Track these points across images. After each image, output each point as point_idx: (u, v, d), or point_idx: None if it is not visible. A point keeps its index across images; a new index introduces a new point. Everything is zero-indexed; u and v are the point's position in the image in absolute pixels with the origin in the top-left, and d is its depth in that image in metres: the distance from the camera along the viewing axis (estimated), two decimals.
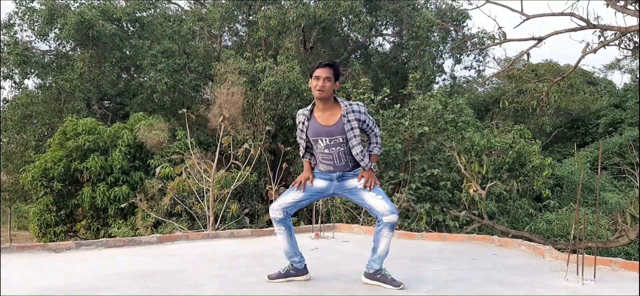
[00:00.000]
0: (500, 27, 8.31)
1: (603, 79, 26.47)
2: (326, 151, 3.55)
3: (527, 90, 18.20)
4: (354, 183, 3.60)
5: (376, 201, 3.51)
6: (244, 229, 6.53)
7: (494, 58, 31.92)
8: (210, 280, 3.78)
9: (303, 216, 12.39)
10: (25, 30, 17.50)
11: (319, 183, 3.66)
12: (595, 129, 21.31)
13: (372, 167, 3.61)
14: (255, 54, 15.82)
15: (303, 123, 3.60)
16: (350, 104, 3.56)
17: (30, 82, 18.48)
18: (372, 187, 3.55)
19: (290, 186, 3.74)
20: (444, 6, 18.96)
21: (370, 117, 3.66)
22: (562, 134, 22.22)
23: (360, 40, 19.48)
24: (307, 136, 3.61)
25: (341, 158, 3.56)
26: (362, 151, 3.56)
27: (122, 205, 12.82)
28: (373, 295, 3.43)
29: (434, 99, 11.31)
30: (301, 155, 3.74)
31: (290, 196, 3.65)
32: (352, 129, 3.51)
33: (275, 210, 3.65)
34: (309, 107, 3.64)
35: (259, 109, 14.76)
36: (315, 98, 3.55)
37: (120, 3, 18.95)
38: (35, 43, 17.82)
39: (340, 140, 3.52)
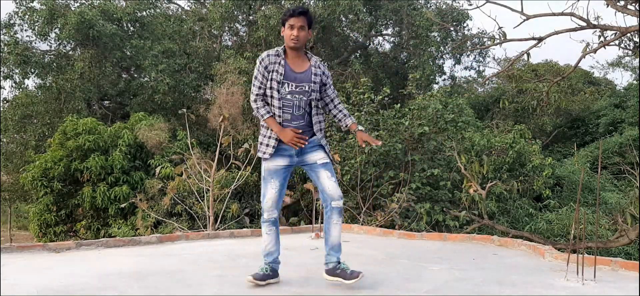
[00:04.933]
0: (500, 27, 8.31)
1: (603, 79, 26.47)
2: (288, 96, 3.45)
3: (527, 90, 18.21)
4: (314, 158, 3.52)
5: (330, 182, 3.47)
6: (244, 229, 6.53)
7: (494, 58, 31.98)
8: (210, 280, 3.78)
9: (303, 216, 12.39)
10: (25, 30, 17.51)
11: (281, 162, 3.52)
12: (596, 129, 21.29)
13: (360, 128, 3.59)
14: (255, 54, 15.81)
15: (274, 63, 3.46)
16: (319, 61, 3.61)
17: (30, 82, 18.49)
18: (374, 143, 3.58)
19: (263, 180, 3.57)
20: (444, 6, 18.97)
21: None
22: (562, 134, 22.21)
23: (360, 40, 19.48)
24: (270, 80, 3.46)
25: (300, 107, 3.49)
26: (336, 107, 3.66)
27: (122, 205, 12.80)
28: (373, 294, 3.43)
29: (434, 99, 11.31)
30: (262, 113, 3.50)
31: (272, 190, 3.53)
32: (315, 83, 3.51)
33: (271, 210, 3.55)
34: (278, 49, 3.53)
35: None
36: (288, 48, 3.50)
37: (120, 3, 18.95)
38: (35, 43, 17.83)
39: (306, 88, 3.48)
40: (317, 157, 3.53)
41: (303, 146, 3.48)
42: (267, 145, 3.52)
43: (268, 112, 3.49)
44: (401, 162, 10.26)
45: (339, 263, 3.52)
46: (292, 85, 3.46)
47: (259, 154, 3.57)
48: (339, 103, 3.71)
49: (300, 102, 3.48)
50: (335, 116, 3.70)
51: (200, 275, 3.92)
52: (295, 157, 3.53)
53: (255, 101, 3.52)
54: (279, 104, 3.47)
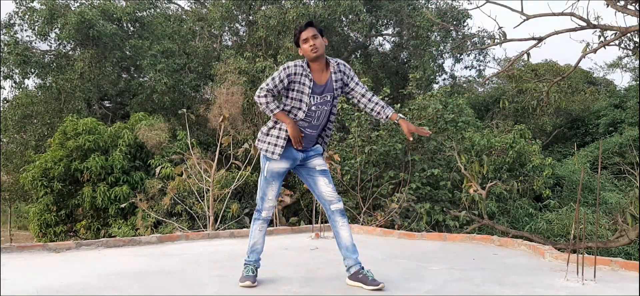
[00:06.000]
0: (500, 27, 8.32)
1: (603, 79, 26.47)
2: (313, 108, 3.45)
3: (527, 90, 18.21)
4: (314, 163, 3.56)
5: (327, 188, 3.52)
6: (244, 229, 6.52)
7: (494, 58, 31.96)
8: (210, 279, 3.78)
9: (303, 216, 12.40)
10: (25, 30, 17.54)
11: (284, 165, 3.51)
12: (595, 129, 21.30)
13: (401, 117, 3.55)
14: (255, 54, 15.81)
15: (300, 75, 3.40)
16: (338, 63, 3.52)
17: (31, 82, 18.52)
18: (423, 133, 3.55)
19: (264, 180, 3.55)
20: (444, 6, 18.98)
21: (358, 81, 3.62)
22: (562, 134, 22.21)
23: (360, 40, 19.48)
24: (297, 91, 3.41)
25: (320, 118, 3.49)
26: (370, 100, 3.57)
27: (123, 205, 12.80)
28: (373, 295, 3.42)
29: (434, 98, 11.32)
30: (272, 108, 3.40)
31: (272, 192, 3.56)
32: (336, 89, 3.49)
33: (270, 210, 3.61)
34: (304, 63, 3.45)
35: (259, 109, 14.75)
36: (311, 60, 3.44)
37: (120, 3, 18.96)
38: (35, 43, 17.85)
39: (328, 98, 3.47)
40: (317, 163, 3.58)
41: (301, 148, 3.48)
42: (276, 145, 3.45)
43: (278, 107, 3.42)
44: (401, 162, 10.26)
45: (363, 268, 3.49)
46: (317, 98, 3.45)
47: (266, 154, 3.48)
48: (373, 96, 3.60)
49: (322, 113, 3.49)
50: (371, 111, 3.59)
51: (200, 275, 3.92)
52: (299, 161, 3.55)
53: (265, 96, 3.41)
54: (303, 116, 3.45)
